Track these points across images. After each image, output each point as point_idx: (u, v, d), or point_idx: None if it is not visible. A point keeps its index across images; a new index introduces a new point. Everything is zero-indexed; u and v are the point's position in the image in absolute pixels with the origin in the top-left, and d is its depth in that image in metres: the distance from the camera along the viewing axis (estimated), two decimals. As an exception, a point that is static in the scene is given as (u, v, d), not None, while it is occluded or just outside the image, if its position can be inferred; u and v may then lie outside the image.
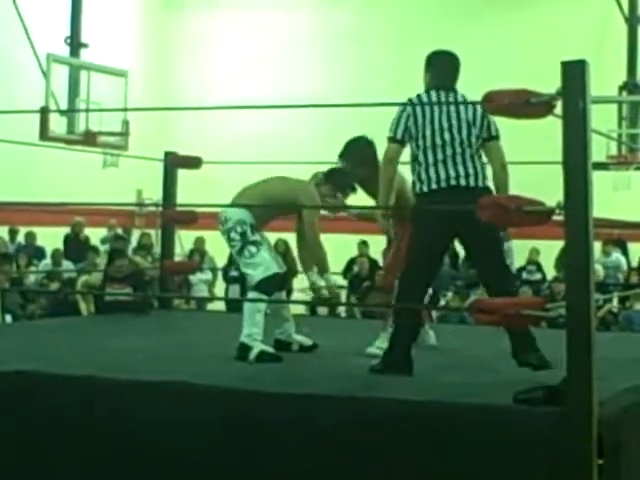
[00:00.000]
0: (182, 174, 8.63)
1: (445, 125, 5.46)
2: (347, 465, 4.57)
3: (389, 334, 6.40)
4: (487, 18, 18.05)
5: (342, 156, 6.71)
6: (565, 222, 4.24)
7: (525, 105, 4.46)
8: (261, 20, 20.14)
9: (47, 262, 15.88)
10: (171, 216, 8.57)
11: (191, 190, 9.13)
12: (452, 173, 5.41)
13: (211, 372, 5.48)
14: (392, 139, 5.62)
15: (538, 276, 15.82)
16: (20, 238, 16.65)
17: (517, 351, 5.25)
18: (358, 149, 6.69)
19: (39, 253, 16.38)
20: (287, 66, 19.63)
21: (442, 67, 5.71)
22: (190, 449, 4.84)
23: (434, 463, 4.42)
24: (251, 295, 6.27)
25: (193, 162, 8.25)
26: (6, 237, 16.27)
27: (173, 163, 8.57)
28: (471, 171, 5.43)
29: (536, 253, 15.99)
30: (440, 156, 5.43)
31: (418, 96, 5.61)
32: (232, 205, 6.37)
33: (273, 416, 4.75)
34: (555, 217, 4.49)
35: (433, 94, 5.61)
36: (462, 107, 5.47)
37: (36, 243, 16.54)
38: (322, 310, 15.50)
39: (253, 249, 6.19)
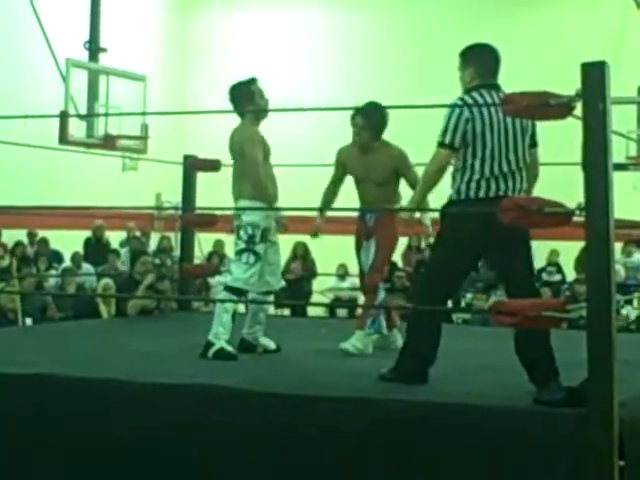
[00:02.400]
0: (201, 177, 8.66)
1: (503, 136, 5.00)
2: (364, 467, 4.58)
3: (365, 333, 6.45)
4: (505, 18, 18.00)
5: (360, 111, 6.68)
6: (586, 223, 4.24)
7: (544, 107, 4.46)
8: (279, 22, 20.12)
9: (69, 265, 15.91)
10: (190, 219, 8.59)
11: (210, 193, 9.15)
12: (502, 187, 5.00)
13: (227, 374, 5.51)
14: (447, 145, 5.03)
15: (558, 277, 15.78)
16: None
17: (536, 384, 4.88)
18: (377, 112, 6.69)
19: (55, 257, 16.41)
20: (306, 68, 19.62)
21: (484, 63, 5.17)
22: (207, 450, 4.85)
23: (455, 465, 4.43)
24: (222, 294, 6.50)
25: (212, 165, 8.27)
26: (25, 241, 16.33)
27: (192, 166, 8.60)
28: (518, 185, 5.04)
29: (556, 254, 15.94)
30: (496, 170, 4.98)
31: (472, 97, 5.06)
32: (248, 208, 6.41)
33: (288, 417, 4.76)
34: (575, 218, 4.49)
35: (486, 94, 5.07)
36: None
37: (49, 247, 16.56)
38: (341, 312, 15.53)
39: (252, 259, 6.33)
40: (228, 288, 6.38)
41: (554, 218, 4.46)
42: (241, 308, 7.28)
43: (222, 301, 6.40)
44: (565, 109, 4.42)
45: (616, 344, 4.20)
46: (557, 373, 4.84)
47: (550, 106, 4.44)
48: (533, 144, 5.18)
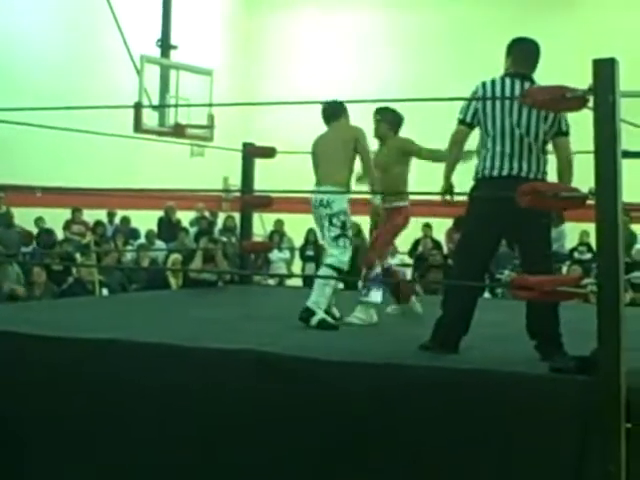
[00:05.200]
0: (265, 163, 8.68)
1: (515, 117, 5.01)
2: (394, 430, 4.59)
3: (365, 305, 6.60)
4: (541, 20, 17.79)
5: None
6: (596, 206, 4.21)
7: (561, 100, 4.45)
8: (338, 22, 20.21)
9: (143, 241, 16.17)
10: (249, 200, 8.67)
11: (270, 177, 9.22)
12: (515, 166, 4.99)
13: (282, 342, 5.49)
14: (461, 121, 5.20)
15: (588, 256, 15.74)
16: (117, 221, 16.99)
17: (545, 355, 4.89)
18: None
19: (134, 234, 16.67)
20: (362, 65, 19.67)
21: (521, 54, 5.19)
22: (260, 415, 4.84)
23: (476, 426, 4.43)
24: (324, 270, 6.54)
25: (268, 152, 8.35)
26: (105, 219, 16.62)
27: (250, 153, 8.66)
28: (534, 167, 5.02)
29: (586, 235, 15.86)
30: (508, 149, 5.00)
31: (492, 81, 5.14)
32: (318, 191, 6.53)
33: (338, 384, 4.74)
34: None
35: (507, 81, 5.10)
36: None
37: (130, 225, 16.86)
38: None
39: (347, 243, 6.48)
40: (331, 267, 6.46)
41: (570, 202, 4.44)
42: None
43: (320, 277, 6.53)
44: (580, 102, 4.39)
45: (624, 317, 4.18)
46: (561, 345, 4.88)
47: (566, 99, 4.42)
48: (559, 133, 5.12)
